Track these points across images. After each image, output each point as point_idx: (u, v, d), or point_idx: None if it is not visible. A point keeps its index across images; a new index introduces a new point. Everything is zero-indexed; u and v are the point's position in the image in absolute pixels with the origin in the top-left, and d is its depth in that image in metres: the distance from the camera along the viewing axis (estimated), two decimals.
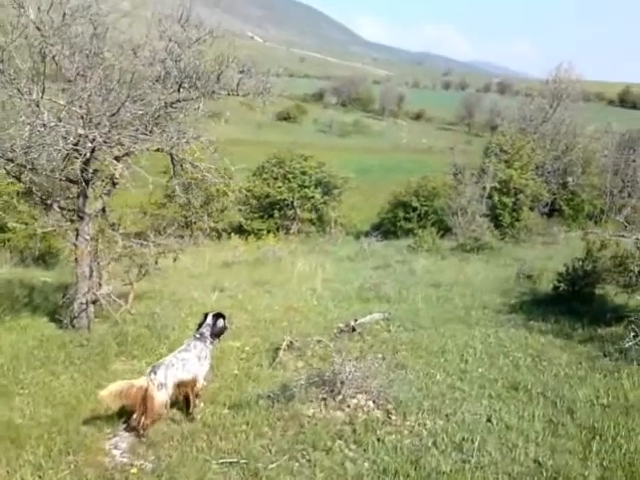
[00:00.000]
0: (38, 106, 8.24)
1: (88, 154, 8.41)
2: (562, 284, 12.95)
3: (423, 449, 6.40)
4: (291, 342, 9.32)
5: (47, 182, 9.41)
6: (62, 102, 8.07)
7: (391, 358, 9.11)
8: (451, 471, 6.00)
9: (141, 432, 6.65)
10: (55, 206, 9.54)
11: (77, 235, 9.56)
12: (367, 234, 23.96)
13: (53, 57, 8.52)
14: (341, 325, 10.45)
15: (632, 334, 9.14)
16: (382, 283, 14.33)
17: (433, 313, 12.13)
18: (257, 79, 8.97)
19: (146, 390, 6.66)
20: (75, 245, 9.60)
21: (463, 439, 6.61)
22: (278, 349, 9.22)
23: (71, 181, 9.16)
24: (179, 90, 8.90)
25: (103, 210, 9.90)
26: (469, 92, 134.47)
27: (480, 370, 8.80)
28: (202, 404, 7.30)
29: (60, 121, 7.95)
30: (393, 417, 6.99)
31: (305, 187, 28.20)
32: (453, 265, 18.53)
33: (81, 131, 8.09)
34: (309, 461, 6.21)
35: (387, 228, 28.96)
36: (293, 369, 8.71)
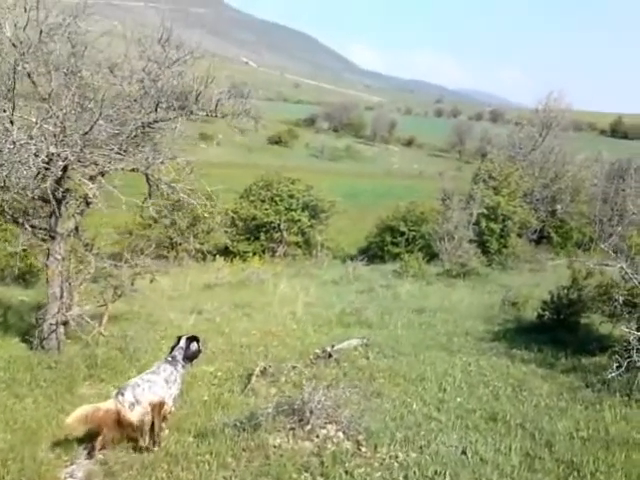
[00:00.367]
0: (12, 123, 8.09)
1: (60, 173, 8.22)
2: (547, 312, 12.83)
3: None
4: (265, 368, 9.09)
5: (19, 200, 9.20)
6: (34, 119, 7.89)
7: (367, 386, 8.88)
8: None
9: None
10: (27, 225, 9.32)
11: (48, 255, 9.33)
12: (353, 258, 23.76)
13: (29, 74, 8.38)
14: (317, 351, 10.21)
15: (615, 365, 8.96)
16: (364, 308, 14.15)
17: (414, 339, 11.92)
18: (236, 100, 8.84)
19: (118, 412, 6.54)
20: (46, 265, 9.37)
21: (436, 473, 6.36)
22: (251, 375, 8.98)
23: (43, 200, 8.95)
24: (156, 110, 8.76)
25: (76, 229, 9.68)
26: (461, 119, 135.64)
27: (458, 400, 8.57)
28: (167, 431, 7.04)
29: (32, 139, 7.77)
30: (363, 448, 6.74)
31: (292, 210, 28.04)
32: (438, 291, 18.35)
33: (53, 149, 7.92)
34: None
35: (374, 252, 28.75)
36: (265, 396, 8.46)
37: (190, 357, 7.28)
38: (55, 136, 8.04)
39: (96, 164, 8.60)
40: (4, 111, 8.14)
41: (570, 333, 12.02)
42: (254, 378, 8.79)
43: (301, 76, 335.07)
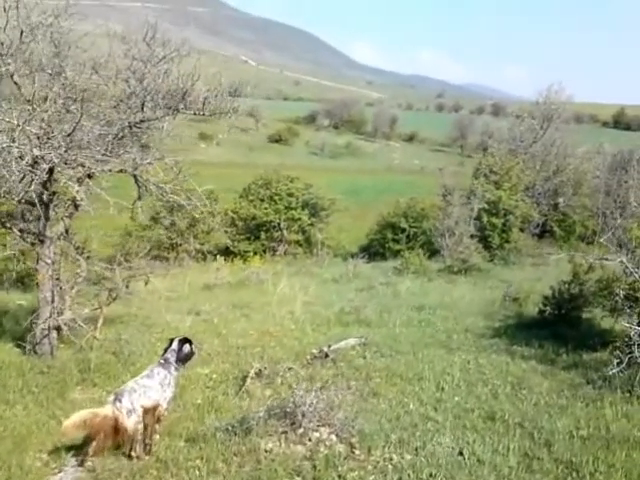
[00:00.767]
0: None
1: (45, 176, 8.08)
2: (548, 307, 12.64)
3: None
4: (260, 370, 8.93)
5: (5, 204, 9.07)
6: (16, 122, 7.74)
7: (363, 386, 8.73)
8: None
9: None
10: (15, 229, 9.19)
11: (38, 259, 9.20)
12: (354, 256, 23.59)
13: (11, 76, 8.23)
14: (314, 351, 10.06)
15: (616, 361, 8.78)
16: (363, 306, 13.99)
17: (413, 337, 11.75)
18: (222, 98, 8.68)
19: (115, 419, 6.41)
20: (36, 269, 9.24)
21: (431, 475, 6.20)
22: (247, 377, 8.83)
23: (30, 203, 8.81)
24: (142, 109, 8.61)
25: (66, 232, 9.54)
26: (462, 114, 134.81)
27: (456, 399, 8.40)
28: (157, 436, 6.90)
29: (14, 141, 7.62)
30: (357, 451, 6.58)
31: (292, 209, 27.90)
32: (439, 287, 18.17)
33: (37, 152, 7.77)
34: None
35: (375, 249, 28.58)
36: (259, 398, 8.30)
37: (183, 359, 7.12)
38: (39, 138, 7.89)
39: (82, 166, 8.45)
40: None
41: (571, 328, 11.85)
42: (249, 380, 8.64)
43: (301, 73, 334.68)
